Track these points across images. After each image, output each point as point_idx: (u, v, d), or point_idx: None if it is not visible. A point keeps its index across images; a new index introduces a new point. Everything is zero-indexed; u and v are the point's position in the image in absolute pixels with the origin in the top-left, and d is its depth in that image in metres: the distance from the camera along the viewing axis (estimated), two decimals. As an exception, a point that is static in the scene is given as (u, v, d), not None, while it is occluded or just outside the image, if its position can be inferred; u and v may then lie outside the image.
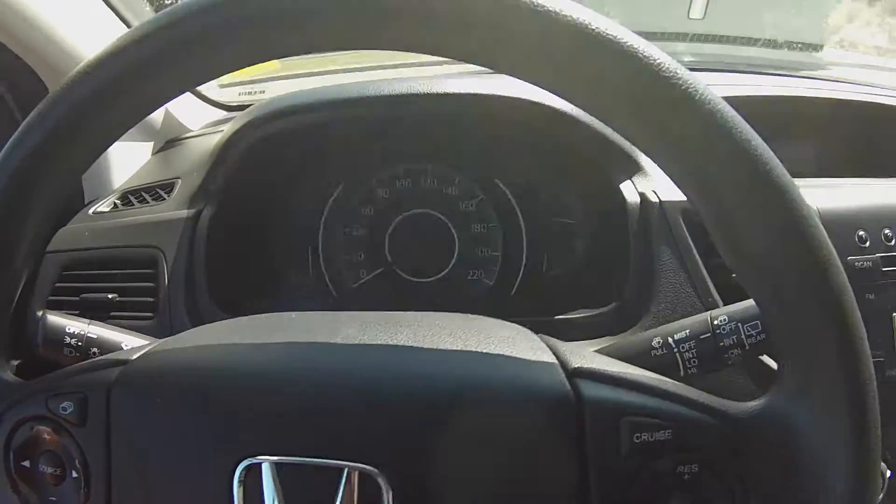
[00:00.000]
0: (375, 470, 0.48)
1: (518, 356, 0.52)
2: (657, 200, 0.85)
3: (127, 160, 1.17)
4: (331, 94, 0.97)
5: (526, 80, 0.47)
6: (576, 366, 0.50)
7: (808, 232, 0.43)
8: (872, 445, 0.44)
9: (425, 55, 0.48)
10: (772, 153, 0.44)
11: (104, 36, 1.13)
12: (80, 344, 0.70)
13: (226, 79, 1.35)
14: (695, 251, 0.83)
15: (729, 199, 0.44)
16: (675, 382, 0.50)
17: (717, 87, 1.04)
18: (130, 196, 1.06)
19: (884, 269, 0.84)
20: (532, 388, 0.50)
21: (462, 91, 0.94)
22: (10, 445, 0.57)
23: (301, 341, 0.57)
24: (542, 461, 0.48)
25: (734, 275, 0.48)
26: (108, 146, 0.56)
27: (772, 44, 1.58)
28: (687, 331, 0.60)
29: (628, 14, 1.73)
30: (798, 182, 0.45)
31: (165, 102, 0.54)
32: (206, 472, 0.53)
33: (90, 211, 1.07)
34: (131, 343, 0.72)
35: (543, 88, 0.47)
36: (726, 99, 0.45)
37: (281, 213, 1.05)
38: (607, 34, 0.44)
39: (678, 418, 0.47)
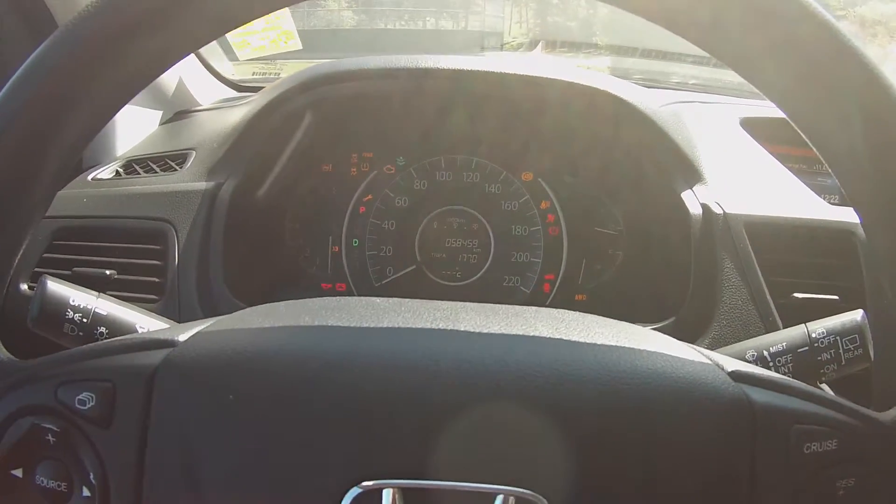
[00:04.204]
0: (541, 497, 0.35)
1: (669, 353, 0.41)
2: (721, 212, 0.74)
3: (131, 127, 0.97)
4: (379, 63, 0.80)
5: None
6: (732, 369, 0.41)
7: None
8: None
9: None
10: None
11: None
12: (84, 321, 0.50)
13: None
14: (758, 267, 0.71)
15: None
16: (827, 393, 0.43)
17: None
18: (135, 164, 0.87)
19: None
20: (702, 392, 0.40)
21: (529, 73, 0.79)
22: None
23: (416, 327, 0.41)
24: (711, 468, 0.39)
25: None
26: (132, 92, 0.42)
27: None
28: (784, 343, 0.51)
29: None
30: None
31: (200, 45, 0.42)
32: (300, 497, 0.36)
33: (89, 177, 0.86)
34: (149, 325, 0.52)
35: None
36: None
37: (305, 195, 0.88)
38: None
39: (844, 428, 0.40)
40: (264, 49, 1.10)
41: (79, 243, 0.75)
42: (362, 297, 0.47)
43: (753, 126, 0.88)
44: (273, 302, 0.51)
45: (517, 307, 0.46)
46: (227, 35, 1.24)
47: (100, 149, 0.94)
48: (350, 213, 0.86)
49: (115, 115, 0.42)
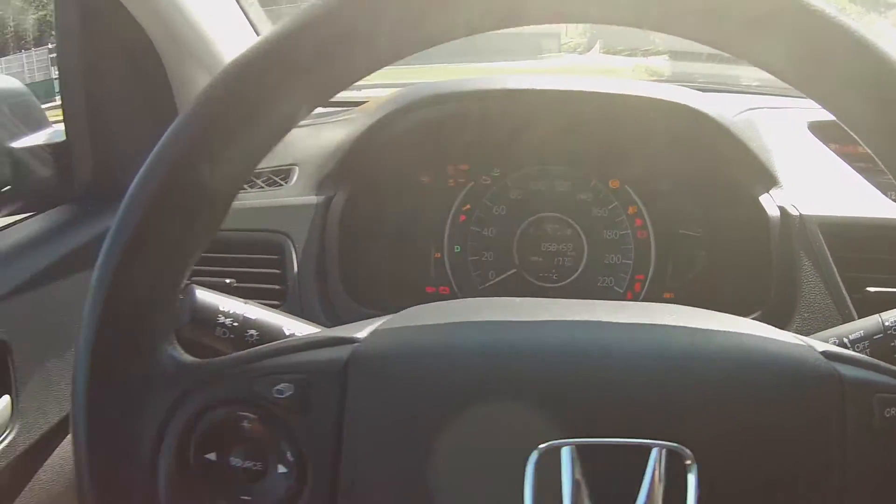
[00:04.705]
0: (686, 449, 0.41)
1: (773, 337, 0.47)
2: (797, 213, 0.79)
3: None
4: (480, 85, 0.86)
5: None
6: (823, 349, 0.46)
7: None
8: None
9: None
10: None
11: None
12: (235, 324, 0.55)
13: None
14: (833, 264, 0.77)
15: None
16: None
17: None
18: None
19: None
20: (802, 368, 0.45)
21: (614, 91, 0.84)
22: (192, 436, 0.44)
23: (570, 319, 0.47)
24: (811, 432, 0.44)
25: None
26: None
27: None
28: (861, 332, 0.56)
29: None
30: None
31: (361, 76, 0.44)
32: (488, 462, 0.42)
33: None
34: (292, 327, 0.58)
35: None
36: None
37: (406, 206, 0.93)
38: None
39: None
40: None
41: None
42: (512, 298, 0.52)
43: (820, 129, 0.92)
44: (386, 304, 0.56)
45: (641, 303, 0.51)
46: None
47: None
48: (451, 221, 0.91)
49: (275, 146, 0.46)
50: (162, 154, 0.42)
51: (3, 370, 0.76)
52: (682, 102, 0.84)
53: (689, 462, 0.41)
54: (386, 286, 0.90)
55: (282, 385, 0.43)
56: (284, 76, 0.41)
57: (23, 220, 0.94)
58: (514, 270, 0.90)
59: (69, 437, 0.85)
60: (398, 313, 0.49)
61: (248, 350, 0.47)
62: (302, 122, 1.09)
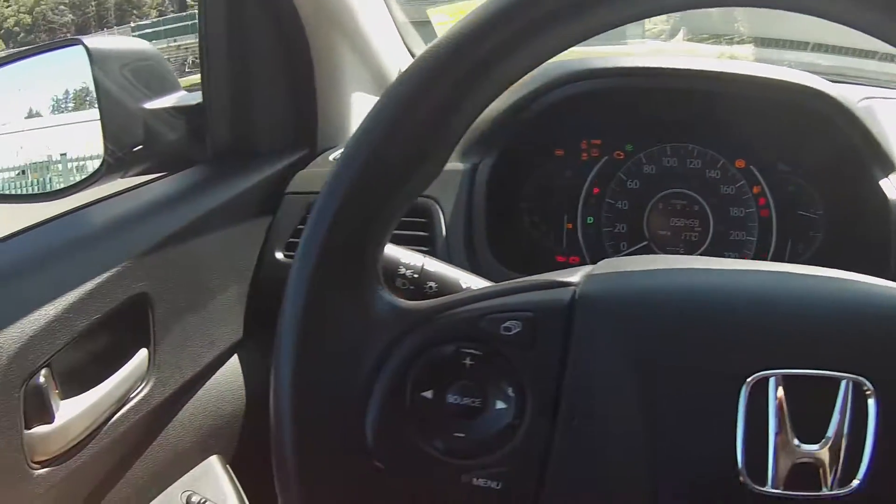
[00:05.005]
0: (868, 382, 0.43)
1: None
2: None
3: (361, 110, 1.06)
4: (617, 63, 0.91)
5: None
6: None
7: None
8: None
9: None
10: None
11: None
12: (415, 276, 0.59)
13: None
14: None
15: None
16: None
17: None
18: None
19: None
20: None
21: (747, 73, 0.88)
22: (408, 375, 0.46)
23: (760, 269, 0.50)
24: None
25: None
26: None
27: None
28: None
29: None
30: None
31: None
32: (703, 393, 0.44)
33: (330, 157, 0.96)
34: (468, 280, 0.62)
35: None
36: None
37: (541, 177, 0.97)
38: None
39: None
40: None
41: None
42: (691, 256, 0.55)
43: None
44: (525, 269, 0.60)
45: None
46: (434, 22, 1.32)
47: (333, 132, 1.04)
48: (585, 193, 0.95)
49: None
50: (389, 103, 0.44)
51: (143, 323, 0.80)
52: (815, 87, 0.87)
53: (868, 392, 0.43)
54: (522, 253, 0.94)
55: (509, 323, 0.45)
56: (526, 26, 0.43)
57: (157, 178, 0.98)
58: (646, 243, 0.94)
59: (200, 393, 0.90)
60: (598, 263, 0.51)
61: (469, 291, 0.50)
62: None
